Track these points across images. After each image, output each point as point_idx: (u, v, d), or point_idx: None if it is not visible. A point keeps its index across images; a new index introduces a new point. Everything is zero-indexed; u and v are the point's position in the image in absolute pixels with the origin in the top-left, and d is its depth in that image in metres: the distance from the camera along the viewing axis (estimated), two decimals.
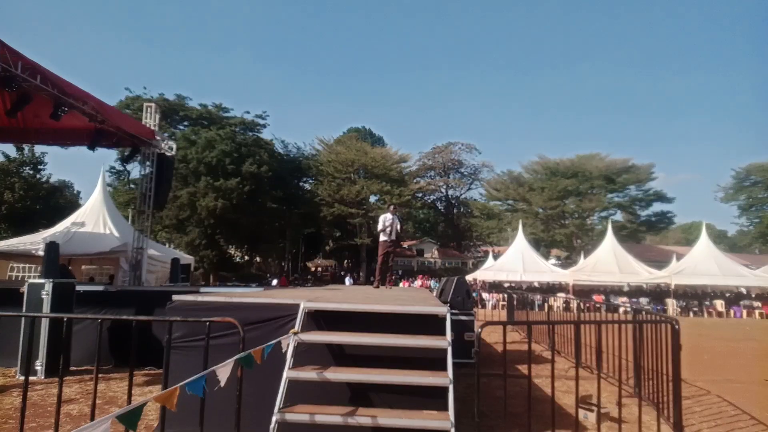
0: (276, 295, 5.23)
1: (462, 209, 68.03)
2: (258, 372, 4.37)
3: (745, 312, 27.50)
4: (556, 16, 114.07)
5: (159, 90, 48.60)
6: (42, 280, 7.26)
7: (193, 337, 4.60)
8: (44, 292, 7.20)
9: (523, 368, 8.80)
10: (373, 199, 50.89)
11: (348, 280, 41.49)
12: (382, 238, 9.71)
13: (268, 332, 4.61)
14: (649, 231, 55.38)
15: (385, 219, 9.73)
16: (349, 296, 5.68)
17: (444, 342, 4.13)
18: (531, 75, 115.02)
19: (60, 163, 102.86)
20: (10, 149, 32.33)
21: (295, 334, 4.22)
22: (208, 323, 3.41)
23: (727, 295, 29.66)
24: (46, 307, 7.19)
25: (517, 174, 54.71)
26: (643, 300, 29.41)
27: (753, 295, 29.23)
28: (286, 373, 3.96)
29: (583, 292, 30.61)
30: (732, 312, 27.69)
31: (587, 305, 14.49)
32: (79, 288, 8.03)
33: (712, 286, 29.76)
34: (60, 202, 29.50)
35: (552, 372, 4.61)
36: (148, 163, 13.94)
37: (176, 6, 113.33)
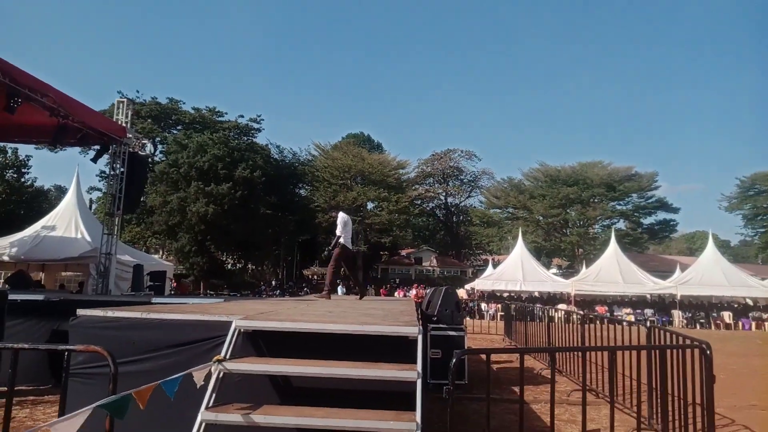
0: (210, 310, 4.24)
1: (461, 217, 67.03)
2: (174, 410, 3.40)
3: (753, 324, 26.45)
4: (559, 22, 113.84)
5: (152, 94, 47.69)
6: None
7: (97, 363, 3.62)
8: None
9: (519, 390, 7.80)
10: (370, 206, 49.99)
11: (341, 289, 40.40)
12: (344, 242, 8.21)
13: (192, 357, 3.63)
14: (651, 240, 54.45)
15: (348, 220, 8.41)
16: (307, 311, 4.68)
17: (412, 373, 3.14)
18: (532, 82, 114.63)
19: (55, 168, 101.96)
20: None
21: (219, 361, 3.24)
22: (66, 353, 2.42)
23: (735, 306, 28.62)
24: None
25: (517, 181, 53.86)
26: (648, 311, 28.36)
27: (761, 306, 28.20)
28: (201, 415, 2.97)
29: (585, 303, 29.55)
30: (740, 324, 26.63)
31: (589, 317, 13.46)
32: (14, 297, 7.03)
33: (719, 297, 28.72)
34: (44, 206, 28.55)
35: (552, 396, 3.64)
36: (118, 162, 12.99)
37: (171, 10, 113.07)
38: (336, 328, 3.41)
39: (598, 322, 8.66)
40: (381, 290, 40.25)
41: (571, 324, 9.62)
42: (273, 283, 45.53)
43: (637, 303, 31.58)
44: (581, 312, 12.33)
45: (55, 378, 7.04)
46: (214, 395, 3.13)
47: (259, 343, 3.66)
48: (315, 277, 61.06)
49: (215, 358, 3.27)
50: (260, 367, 3.28)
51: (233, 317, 3.65)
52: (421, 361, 3.28)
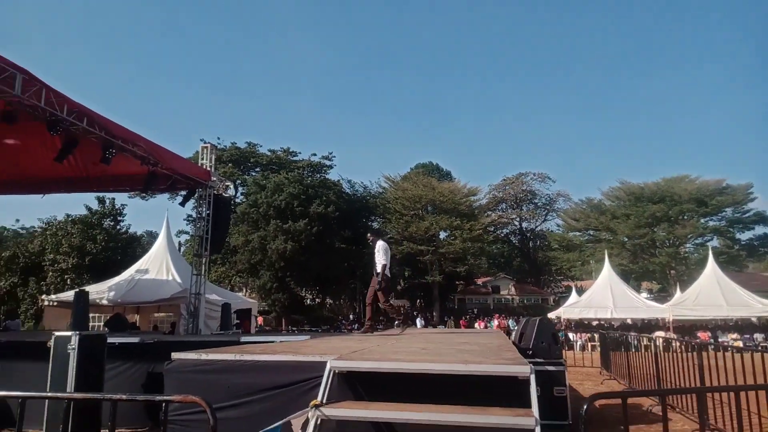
0: (301, 349, 4.09)
1: (538, 242, 64.70)
2: None
3: None
4: (631, 31, 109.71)
5: (231, 139, 50.68)
6: (68, 333, 6.57)
7: (194, 410, 3.54)
8: (70, 346, 6.47)
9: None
10: (442, 235, 49.41)
11: (419, 321, 39.78)
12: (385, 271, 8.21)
13: (288, 401, 3.46)
14: (750, 257, 49.76)
15: (388, 248, 8.39)
16: (399, 348, 4.42)
17: (530, 420, 2.78)
18: (602, 97, 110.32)
19: (146, 215, 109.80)
20: (92, 202, 34.39)
21: (316, 406, 3.04)
22: (164, 403, 2.30)
23: None
24: (72, 363, 6.45)
25: (597, 201, 51.28)
26: (759, 336, 25.60)
27: None
28: None
29: (684, 329, 27.15)
30: None
31: (708, 344, 12.17)
32: (112, 340, 7.30)
33: None
34: (137, 251, 30.55)
35: None
36: (204, 205, 13.57)
37: (243, 56, 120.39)
38: (438, 368, 3.13)
39: (712, 349, 7.73)
40: (461, 321, 39.23)
41: (680, 353, 8.66)
42: (351, 317, 45.74)
43: (744, 327, 28.65)
44: (681, 339, 11.15)
45: (152, 420, 7.19)
46: None
47: (354, 384, 3.44)
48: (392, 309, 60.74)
49: (312, 403, 3.08)
50: (361, 413, 3.04)
51: (327, 357, 3.46)
52: (537, 404, 2.91)
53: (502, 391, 3.24)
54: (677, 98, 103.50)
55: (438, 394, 3.24)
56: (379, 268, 8.17)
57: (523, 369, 3.04)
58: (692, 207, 43.96)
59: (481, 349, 4.38)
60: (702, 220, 45.24)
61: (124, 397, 2.76)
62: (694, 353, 8.28)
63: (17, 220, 47.96)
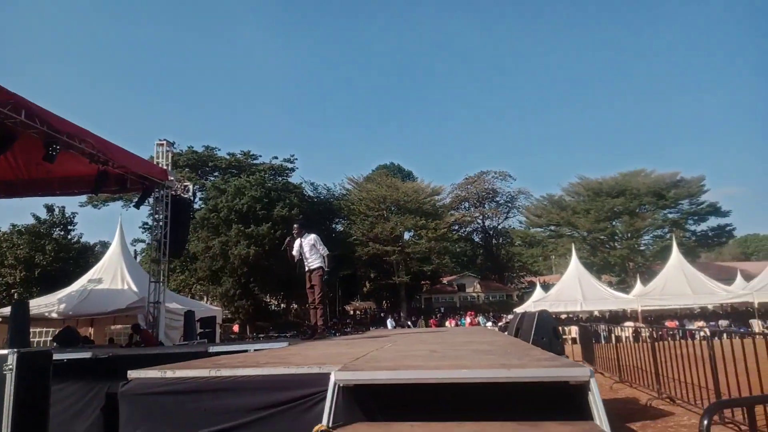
0: (292, 359, 3.39)
1: (501, 239, 65.33)
2: None
3: None
4: (579, 30, 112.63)
5: (188, 143, 48.65)
6: (4, 351, 5.61)
7: None
8: (6, 367, 5.52)
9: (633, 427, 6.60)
10: (407, 235, 49.09)
11: (390, 322, 39.20)
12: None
13: (282, 427, 2.76)
14: (702, 247, 51.57)
15: (295, 245, 8.12)
16: (405, 351, 3.77)
17: None
18: (556, 95, 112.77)
19: (99, 225, 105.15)
20: (40, 211, 32.21)
21: None
22: None
23: None
24: (9, 386, 5.49)
25: (557, 197, 52.07)
26: (723, 322, 26.23)
27: None
28: None
29: (651, 319, 27.59)
30: None
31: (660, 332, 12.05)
32: (60, 356, 6.37)
33: None
34: (90, 261, 28.72)
35: None
36: (161, 207, 12.56)
37: (200, 58, 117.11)
38: (476, 376, 2.50)
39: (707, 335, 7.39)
40: (431, 321, 38.86)
41: (678, 341, 8.33)
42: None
43: (709, 315, 29.40)
44: (648, 329, 10.97)
45: None
46: None
47: (364, 399, 2.77)
48: (358, 312, 60.05)
49: (317, 428, 2.40)
50: None
51: (328, 368, 2.79)
52: (603, 415, 2.33)
53: (546, 400, 2.65)
54: (630, 92, 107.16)
55: (467, 408, 2.62)
56: (323, 257, 7.92)
57: (579, 372, 2.46)
58: (651, 200, 45.17)
59: (499, 348, 3.79)
60: (662, 213, 46.51)
61: None
62: (688, 341, 7.99)
63: None
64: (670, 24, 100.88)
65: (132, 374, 3.03)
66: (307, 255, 7.96)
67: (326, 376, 2.73)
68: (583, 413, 2.50)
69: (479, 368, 2.60)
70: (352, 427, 2.49)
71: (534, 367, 2.61)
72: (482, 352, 3.58)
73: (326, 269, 7.90)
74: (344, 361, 3.17)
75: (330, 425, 2.47)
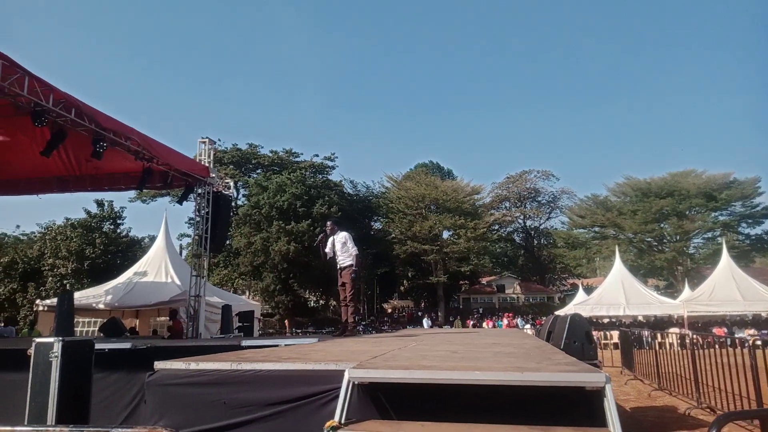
0: (311, 355, 3.45)
1: (542, 240, 64.06)
2: None
3: None
4: (631, 27, 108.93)
5: (233, 141, 50.03)
6: (50, 339, 5.93)
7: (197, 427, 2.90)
8: (53, 354, 5.83)
9: None
10: (446, 234, 48.75)
11: (426, 322, 39.12)
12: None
13: (298, 421, 2.82)
14: (757, 252, 49.03)
15: (328, 243, 8.18)
16: (425, 352, 3.77)
17: None
18: (603, 93, 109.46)
19: (147, 219, 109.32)
20: (91, 206, 33.85)
21: (334, 429, 2.41)
22: None
23: None
24: (54, 373, 5.80)
25: (603, 198, 50.53)
26: None
27: None
28: None
29: (698, 326, 26.47)
30: None
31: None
32: (101, 346, 6.66)
33: None
34: (138, 254, 29.97)
35: None
36: (203, 203, 12.96)
37: (244, 57, 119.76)
38: (487, 378, 2.48)
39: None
40: (467, 322, 38.49)
41: (718, 348, 7.97)
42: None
43: (760, 322, 27.97)
44: (690, 335, 10.46)
45: None
46: None
47: (378, 397, 2.79)
48: (396, 310, 60.19)
49: (328, 424, 2.44)
50: None
51: (344, 365, 2.82)
52: (617, 423, 2.27)
53: (561, 405, 2.61)
54: (680, 92, 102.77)
55: (479, 410, 2.61)
56: (354, 256, 7.99)
57: (595, 378, 2.40)
58: (701, 201, 43.28)
59: (522, 351, 3.74)
60: (712, 215, 44.54)
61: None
62: (735, 350, 7.63)
63: (18, 226, 47.23)
64: (724, 17, 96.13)
65: (158, 365, 3.15)
66: (339, 252, 8.05)
67: (341, 372, 2.76)
68: (598, 420, 2.44)
69: (492, 370, 2.58)
70: (364, 424, 2.52)
71: (549, 371, 2.56)
72: (504, 355, 3.54)
73: (355, 268, 7.87)
74: (363, 358, 3.21)
75: (342, 421, 2.51)
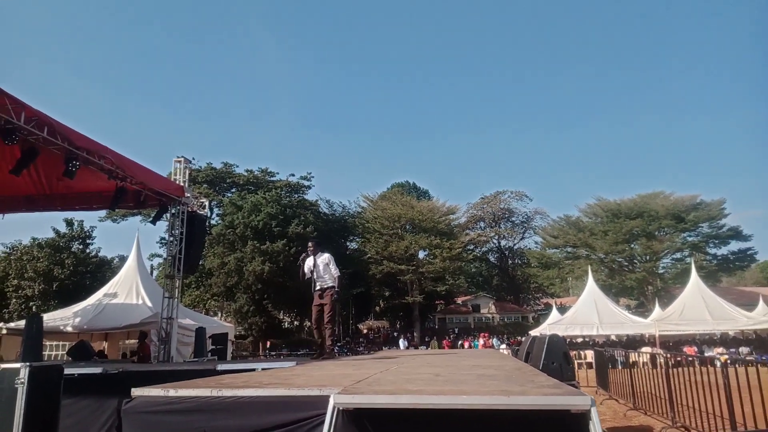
0: (294, 380, 3.39)
1: (517, 260, 64.73)
2: None
3: None
4: (602, 50, 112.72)
5: (207, 160, 49.40)
6: (16, 365, 5.68)
7: None
8: (18, 381, 5.59)
9: None
10: (422, 254, 48.87)
11: (402, 342, 38.93)
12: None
13: None
14: (726, 271, 50.49)
15: (308, 263, 8.10)
16: (409, 374, 3.75)
17: None
18: (575, 116, 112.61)
19: (118, 238, 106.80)
20: (60, 225, 32.88)
21: None
22: None
23: None
24: (20, 400, 5.56)
25: (575, 218, 51.51)
26: (744, 349, 25.54)
27: None
28: None
29: (670, 344, 26.96)
30: None
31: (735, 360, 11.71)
32: (71, 371, 6.44)
33: None
34: (107, 275, 29.13)
35: None
36: (177, 222, 12.73)
37: (220, 77, 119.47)
38: (474, 402, 2.48)
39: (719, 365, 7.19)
40: (444, 342, 38.40)
41: (695, 368, 8.11)
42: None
43: (728, 341, 28.66)
44: (663, 355, 10.66)
45: None
46: None
47: (363, 423, 2.75)
48: (371, 331, 59.72)
49: None
50: None
51: (328, 390, 2.79)
52: None
53: (544, 428, 2.62)
54: (650, 113, 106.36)
55: None
56: (336, 278, 7.94)
57: (580, 401, 2.42)
58: (670, 222, 44.51)
59: (504, 374, 3.75)
60: (681, 236, 45.83)
61: None
62: (707, 368, 7.78)
63: None
64: (691, 44, 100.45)
65: (135, 392, 3.05)
66: (321, 273, 7.99)
67: (326, 398, 2.72)
68: None
69: (478, 395, 2.58)
70: None
71: (534, 394, 2.58)
72: (487, 377, 3.54)
73: (337, 290, 7.85)
74: (346, 383, 3.17)
75: None
